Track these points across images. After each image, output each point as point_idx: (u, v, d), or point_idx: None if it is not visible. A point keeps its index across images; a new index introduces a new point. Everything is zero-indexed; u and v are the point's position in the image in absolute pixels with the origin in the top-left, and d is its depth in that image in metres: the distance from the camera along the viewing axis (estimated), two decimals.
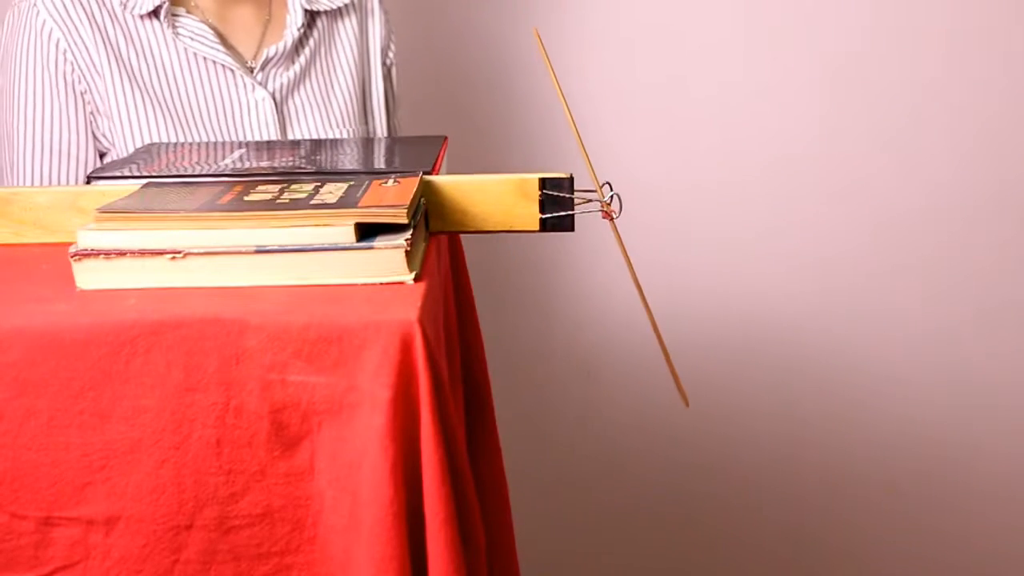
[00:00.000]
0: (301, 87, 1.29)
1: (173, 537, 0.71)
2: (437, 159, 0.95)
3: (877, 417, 1.92)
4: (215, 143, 1.11)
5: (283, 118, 1.26)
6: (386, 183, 0.83)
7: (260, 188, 0.83)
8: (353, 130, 1.32)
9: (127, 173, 0.90)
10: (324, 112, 1.29)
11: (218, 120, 1.23)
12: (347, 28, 1.34)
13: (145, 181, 0.88)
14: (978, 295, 1.88)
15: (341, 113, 1.31)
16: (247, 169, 0.91)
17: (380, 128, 1.38)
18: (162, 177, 0.89)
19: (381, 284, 0.74)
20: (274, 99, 1.25)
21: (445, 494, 0.69)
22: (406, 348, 0.68)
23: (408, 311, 0.69)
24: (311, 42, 1.30)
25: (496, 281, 1.83)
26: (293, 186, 0.83)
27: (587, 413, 1.92)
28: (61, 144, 1.21)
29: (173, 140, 1.20)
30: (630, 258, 0.90)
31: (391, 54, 1.40)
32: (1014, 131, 1.83)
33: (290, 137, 1.24)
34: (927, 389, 1.91)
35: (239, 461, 0.70)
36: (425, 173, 0.87)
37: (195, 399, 0.69)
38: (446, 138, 1.12)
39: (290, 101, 1.27)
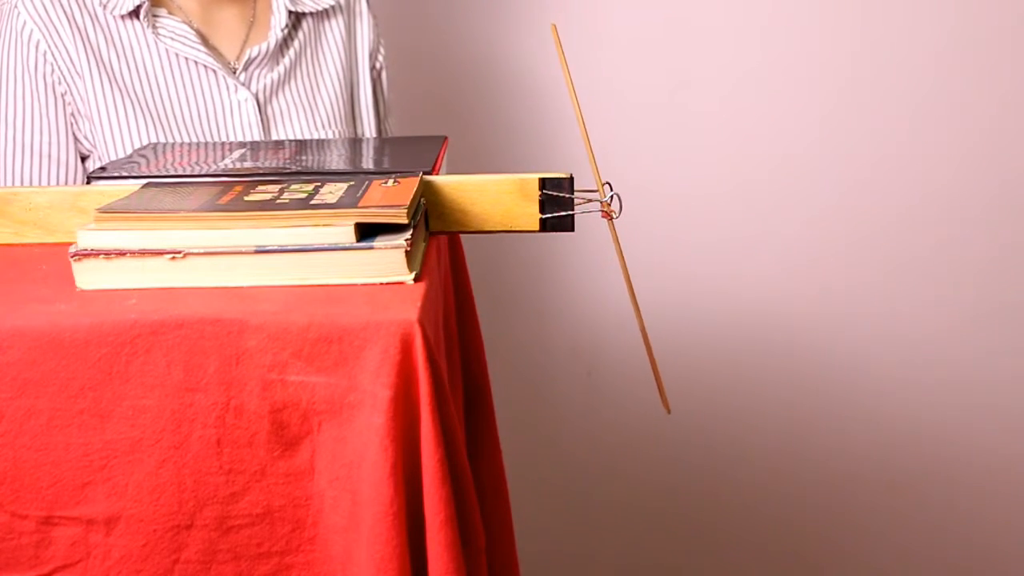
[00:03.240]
0: (285, 88, 1.27)
1: (173, 537, 0.71)
2: (437, 159, 0.95)
3: (877, 417, 1.92)
4: (216, 143, 1.11)
5: (267, 119, 1.25)
6: (386, 183, 0.83)
7: (260, 188, 0.83)
8: (339, 132, 1.31)
9: (127, 173, 0.91)
10: (309, 114, 1.28)
11: (200, 121, 1.22)
12: (334, 30, 1.33)
13: (145, 181, 0.88)
14: (978, 295, 1.88)
15: (327, 115, 1.29)
16: (247, 169, 0.91)
17: (369, 132, 1.37)
18: (162, 177, 0.89)
19: (381, 284, 0.74)
20: (257, 100, 1.24)
21: (445, 494, 0.69)
22: (406, 348, 0.68)
23: (408, 311, 0.69)
24: (296, 43, 1.29)
25: (496, 281, 1.83)
26: (293, 186, 0.83)
27: (587, 413, 1.92)
28: (41, 146, 1.20)
29: (155, 142, 1.19)
30: (625, 259, 0.90)
31: (380, 58, 1.38)
32: (1014, 131, 1.83)
33: (273, 139, 1.24)
34: (927, 388, 1.91)
35: (239, 461, 0.70)
36: (425, 173, 0.87)
37: (195, 399, 0.69)
38: (446, 138, 1.12)
39: (274, 102, 1.26)
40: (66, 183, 1.21)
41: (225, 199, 0.79)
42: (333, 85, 1.31)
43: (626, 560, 1.97)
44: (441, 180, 0.87)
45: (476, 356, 1.04)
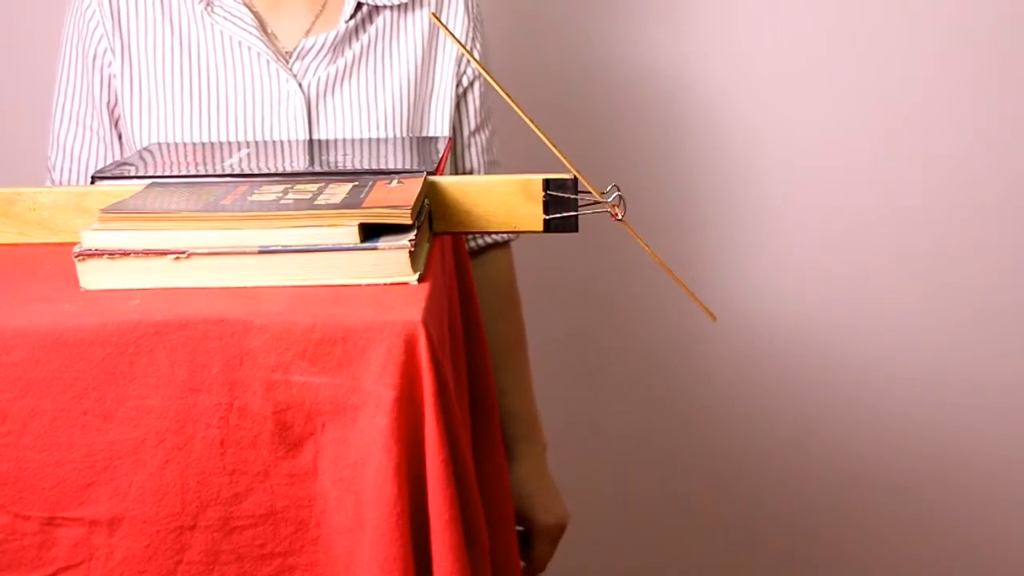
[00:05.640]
0: (344, 85, 1.16)
1: (176, 538, 0.71)
2: (441, 159, 0.95)
3: (880, 417, 1.92)
4: (218, 143, 1.10)
5: (316, 115, 1.15)
6: (390, 183, 0.83)
7: (264, 188, 0.83)
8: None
9: (131, 173, 0.91)
10: (364, 116, 1.16)
11: (247, 110, 1.15)
12: (415, 27, 1.19)
13: (149, 181, 0.88)
14: (981, 295, 1.88)
15: (384, 121, 1.17)
16: (251, 169, 0.91)
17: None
18: (166, 177, 0.89)
19: (385, 285, 0.74)
20: (307, 94, 1.15)
21: (449, 495, 0.69)
22: (410, 349, 0.68)
23: (412, 312, 0.69)
24: (365, 38, 1.17)
25: None
26: (297, 186, 0.83)
27: (590, 413, 1.92)
28: (83, 117, 1.19)
29: (199, 125, 1.15)
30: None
31: (471, 69, 1.22)
32: (1018, 129, 1.83)
33: (317, 137, 1.16)
34: (930, 389, 1.91)
35: (243, 462, 0.70)
36: (429, 174, 0.87)
37: (199, 399, 0.69)
38: (450, 138, 1.11)
39: (328, 99, 1.15)
40: (103, 159, 1.20)
41: (229, 199, 0.79)
42: (400, 89, 1.18)
43: (628, 560, 1.97)
44: (445, 180, 0.87)
45: (480, 357, 1.04)
